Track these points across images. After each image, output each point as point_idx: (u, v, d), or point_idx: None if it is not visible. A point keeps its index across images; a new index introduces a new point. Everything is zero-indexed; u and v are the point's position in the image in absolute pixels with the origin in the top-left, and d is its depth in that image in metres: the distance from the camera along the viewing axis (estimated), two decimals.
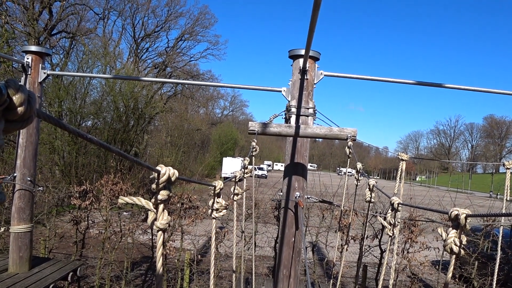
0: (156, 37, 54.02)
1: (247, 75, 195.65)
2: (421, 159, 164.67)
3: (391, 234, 2.72)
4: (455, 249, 1.66)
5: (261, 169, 75.90)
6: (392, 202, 2.53)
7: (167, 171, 1.42)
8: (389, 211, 2.66)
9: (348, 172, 5.61)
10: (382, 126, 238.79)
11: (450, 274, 1.80)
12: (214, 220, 2.52)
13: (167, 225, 1.47)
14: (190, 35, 56.61)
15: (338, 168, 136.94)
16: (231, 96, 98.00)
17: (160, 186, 1.42)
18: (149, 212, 1.46)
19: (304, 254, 4.49)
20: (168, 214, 5.38)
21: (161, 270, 1.49)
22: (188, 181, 2.10)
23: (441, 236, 1.73)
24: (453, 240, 1.66)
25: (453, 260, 1.75)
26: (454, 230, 1.68)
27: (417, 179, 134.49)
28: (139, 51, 52.15)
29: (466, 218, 1.62)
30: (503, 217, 7.59)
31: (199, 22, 56.51)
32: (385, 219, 2.78)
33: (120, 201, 1.48)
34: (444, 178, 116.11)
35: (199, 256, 10.29)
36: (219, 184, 2.32)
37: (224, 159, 60.89)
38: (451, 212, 1.67)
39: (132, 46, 51.64)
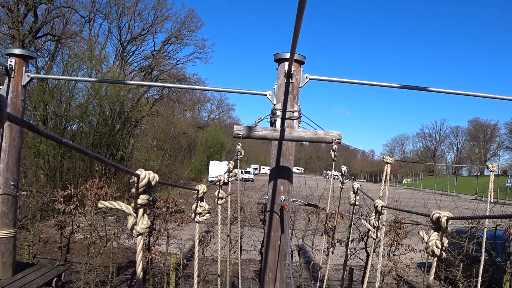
0: (142, 40, 53.84)
1: (234, 79, 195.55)
2: (407, 162, 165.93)
3: (375, 237, 2.73)
4: (437, 251, 1.66)
5: (248, 172, 75.92)
6: (376, 205, 2.54)
7: (146, 175, 1.40)
8: (373, 214, 2.67)
9: (334, 175, 5.63)
10: (369, 130, 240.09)
11: (431, 276, 1.81)
12: (198, 224, 2.50)
13: (147, 229, 1.46)
14: (176, 38, 56.48)
15: (324, 172, 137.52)
16: (217, 99, 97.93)
17: (140, 190, 1.41)
18: (129, 216, 1.45)
19: (289, 257, 4.49)
20: (154, 218, 5.38)
21: (141, 275, 1.48)
22: (170, 185, 2.08)
23: (423, 238, 1.74)
24: (435, 243, 1.67)
25: (435, 263, 1.76)
26: (436, 233, 1.68)
27: (403, 182, 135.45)
28: (125, 54, 51.90)
29: (447, 220, 1.63)
30: (487, 219, 7.67)
31: (185, 25, 56.43)
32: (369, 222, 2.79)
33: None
34: (430, 181, 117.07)
35: (185, 260, 10.24)
36: (202, 188, 2.31)
37: (211, 162, 60.80)
38: (433, 214, 1.68)
39: (118, 49, 51.39)
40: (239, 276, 5.47)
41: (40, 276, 7.43)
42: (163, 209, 9.82)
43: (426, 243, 1.69)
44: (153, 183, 1.44)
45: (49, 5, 34.09)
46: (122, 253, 10.97)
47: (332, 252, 9.68)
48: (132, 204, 1.44)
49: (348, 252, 10.69)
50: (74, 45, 33.18)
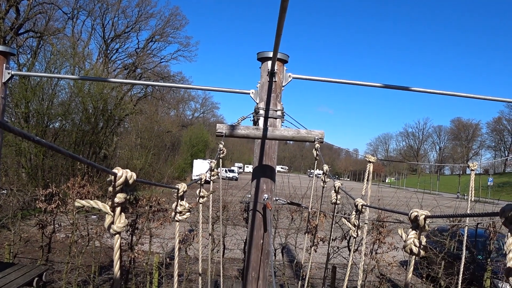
0: (126, 37, 53.55)
1: (219, 77, 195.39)
2: (390, 161, 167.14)
3: (355, 235, 2.74)
4: (415, 249, 1.68)
5: (232, 171, 76.05)
6: (356, 204, 2.55)
7: (124, 174, 1.39)
8: (353, 212, 2.68)
9: (318, 174, 5.65)
10: (353, 129, 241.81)
11: (410, 274, 1.82)
12: (178, 223, 2.49)
13: (124, 228, 1.44)
14: (160, 36, 56.27)
15: (308, 170, 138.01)
16: (202, 98, 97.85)
17: (117, 188, 1.39)
18: (107, 215, 1.43)
19: (271, 256, 4.49)
20: (136, 217, 5.34)
21: (118, 274, 1.47)
22: (149, 184, 2.07)
23: (401, 237, 1.75)
24: (413, 241, 1.68)
25: (413, 261, 1.77)
26: (414, 231, 1.70)
27: (386, 180, 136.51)
28: (108, 51, 51.54)
29: (425, 219, 1.64)
30: (467, 217, 7.76)
31: (170, 23, 56.26)
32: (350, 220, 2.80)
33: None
34: (413, 179, 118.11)
35: (168, 259, 10.19)
36: (182, 186, 2.29)
37: (195, 161, 60.62)
38: (411, 213, 1.69)
39: (101, 46, 51.02)
40: (221, 274, 5.47)
41: (21, 275, 7.34)
42: (146, 208, 9.77)
43: (405, 241, 1.70)
44: (130, 181, 1.43)
45: (31, 1, 33.70)
46: (105, 252, 10.88)
47: (315, 251, 9.72)
48: (109, 203, 1.42)
49: (331, 251, 10.79)
50: (57, 42, 32.81)
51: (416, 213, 1.66)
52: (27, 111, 25.31)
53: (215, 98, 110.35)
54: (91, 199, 1.37)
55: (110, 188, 1.40)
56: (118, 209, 1.42)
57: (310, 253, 7.82)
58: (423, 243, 1.69)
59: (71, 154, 1.16)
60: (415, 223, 1.68)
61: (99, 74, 32.41)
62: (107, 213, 1.43)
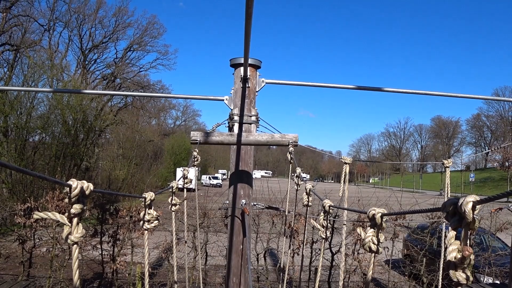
0: (104, 48, 53.26)
1: (199, 84, 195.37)
2: (373, 162, 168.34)
3: (324, 236, 2.78)
4: (373, 247, 1.72)
5: (216, 178, 76.00)
6: (323, 205, 2.59)
7: (79, 185, 1.41)
8: (322, 213, 2.72)
9: (304, 178, 5.69)
10: (335, 131, 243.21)
11: (370, 272, 1.86)
12: (146, 231, 2.51)
13: (81, 238, 1.46)
14: (139, 45, 56.08)
15: (292, 174, 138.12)
16: (183, 106, 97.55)
17: (73, 199, 1.41)
18: (64, 226, 1.45)
19: (249, 261, 4.51)
20: (117, 228, 5.31)
21: (78, 282, 1.48)
22: (109, 194, 2.08)
23: (360, 235, 1.79)
24: (371, 239, 1.72)
25: (373, 258, 1.82)
26: (372, 229, 1.74)
27: (370, 181, 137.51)
28: (87, 62, 51.21)
29: (381, 217, 1.68)
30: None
31: (147, 32, 56.15)
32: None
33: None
34: (397, 179, 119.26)
35: (150, 269, 10.14)
36: (149, 195, 2.32)
37: (178, 169, 60.37)
38: (369, 212, 1.73)
39: (79, 57, 50.69)
40: (201, 281, 5.47)
41: None
42: (126, 218, 9.73)
43: (363, 239, 1.74)
44: (87, 192, 1.44)
45: (6, 14, 33.33)
46: (87, 265, 10.78)
47: (298, 254, 9.76)
48: (66, 214, 1.44)
49: (313, 253, 10.83)
50: (34, 55, 32.44)
51: (373, 212, 1.70)
52: (5, 125, 24.98)
53: (196, 105, 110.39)
54: (44, 211, 1.38)
55: (66, 200, 1.42)
56: (75, 220, 1.44)
57: (292, 256, 7.87)
58: (381, 240, 1.73)
59: (18, 168, 1.17)
60: (373, 221, 1.73)
61: (78, 86, 32.15)
62: (64, 224, 1.44)
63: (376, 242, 1.72)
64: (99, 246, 9.98)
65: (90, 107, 31.84)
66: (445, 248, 1.20)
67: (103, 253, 10.00)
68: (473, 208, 1.13)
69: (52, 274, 9.88)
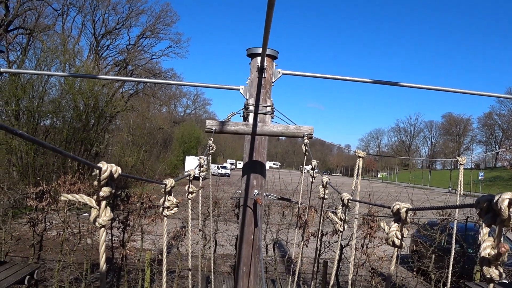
0: (117, 34, 53.24)
1: (211, 73, 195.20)
2: (382, 156, 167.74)
3: (342, 230, 2.78)
4: (397, 242, 1.71)
5: (224, 167, 76.13)
6: (342, 198, 2.58)
7: (108, 168, 1.41)
8: (340, 207, 2.72)
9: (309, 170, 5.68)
10: (344, 124, 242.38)
11: (393, 266, 1.86)
12: (166, 218, 2.51)
13: (109, 221, 1.47)
14: (151, 32, 56.03)
15: (300, 166, 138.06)
16: (193, 94, 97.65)
17: (102, 182, 1.41)
18: (92, 209, 1.46)
19: (261, 251, 4.52)
20: (128, 214, 5.34)
21: (104, 266, 1.49)
22: (135, 178, 2.08)
23: (384, 229, 1.78)
24: (395, 233, 1.71)
25: (396, 253, 1.81)
26: (396, 224, 1.73)
27: (378, 176, 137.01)
28: (99, 48, 51.26)
29: (407, 212, 1.67)
30: (457, 211, 7.82)
31: (160, 19, 56.02)
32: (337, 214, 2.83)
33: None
34: (405, 174, 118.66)
35: (159, 255, 10.20)
36: (170, 182, 2.32)
37: (187, 157, 60.52)
38: (393, 206, 1.72)
39: (92, 43, 50.75)
40: (212, 270, 5.49)
41: (13, 274, 7.32)
42: (137, 204, 9.77)
43: (387, 234, 1.73)
44: (115, 176, 1.45)
45: None
46: (96, 250, 10.85)
47: (307, 246, 9.77)
48: (95, 197, 1.45)
49: (322, 246, 10.84)
50: (47, 39, 32.52)
51: (398, 206, 1.69)
52: (17, 108, 25.15)
53: (207, 94, 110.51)
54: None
55: (95, 182, 1.42)
56: (103, 203, 1.45)
57: (301, 248, 7.87)
58: (405, 235, 1.72)
59: (55, 148, 1.18)
60: (397, 216, 1.72)
61: (90, 71, 32.22)
62: (92, 207, 1.45)
63: (400, 237, 1.71)
64: (109, 231, 10.06)
65: (101, 93, 31.96)
66: (479, 244, 1.18)
67: (113, 238, 10.07)
68: (509, 205, 1.11)
69: (62, 258, 9.96)
